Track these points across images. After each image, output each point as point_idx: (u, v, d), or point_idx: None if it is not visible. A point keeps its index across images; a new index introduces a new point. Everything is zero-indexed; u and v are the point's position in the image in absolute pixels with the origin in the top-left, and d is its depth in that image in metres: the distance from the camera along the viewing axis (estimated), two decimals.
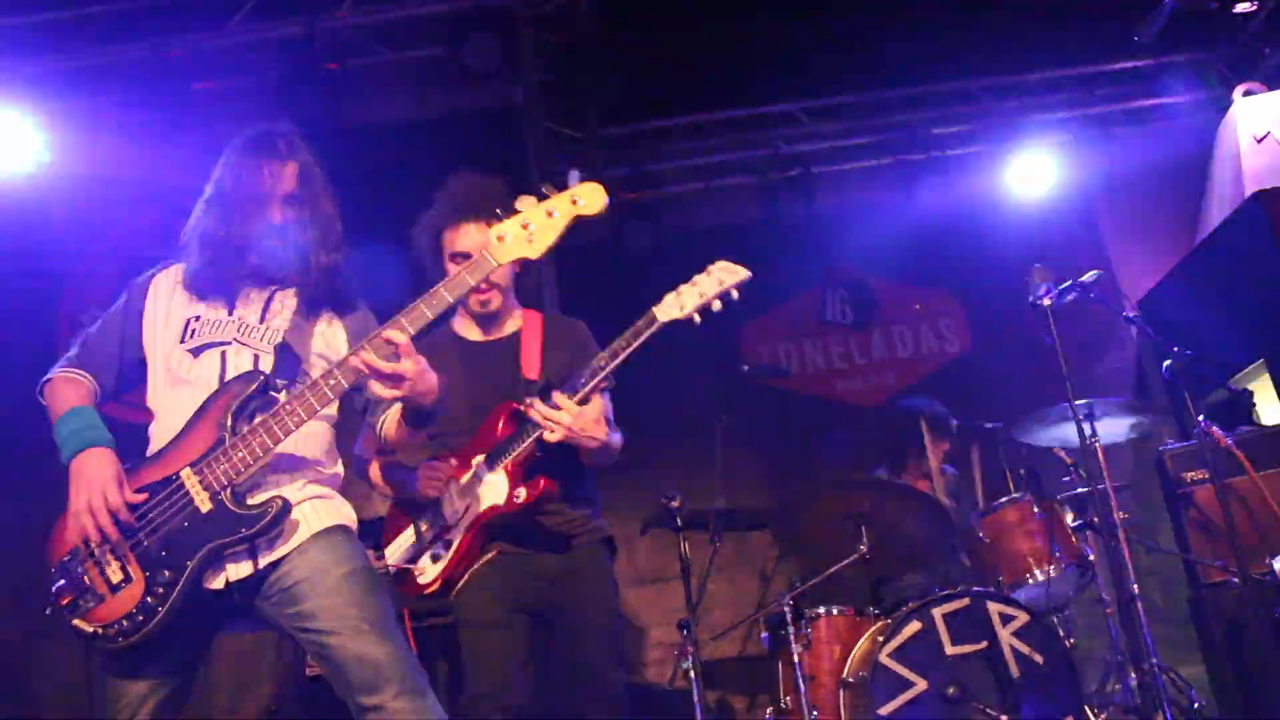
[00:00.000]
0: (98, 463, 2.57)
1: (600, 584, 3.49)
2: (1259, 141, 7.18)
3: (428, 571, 3.34)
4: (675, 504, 4.65)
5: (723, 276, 3.21)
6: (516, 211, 2.64)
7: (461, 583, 3.36)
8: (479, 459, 3.34)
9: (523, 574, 3.39)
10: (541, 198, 2.65)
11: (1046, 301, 4.48)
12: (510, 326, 3.62)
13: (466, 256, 3.32)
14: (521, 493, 3.25)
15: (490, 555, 3.36)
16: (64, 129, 6.55)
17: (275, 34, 6.31)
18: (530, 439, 3.28)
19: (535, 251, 2.64)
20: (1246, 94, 7.38)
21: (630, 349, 3.24)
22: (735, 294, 3.21)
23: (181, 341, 2.73)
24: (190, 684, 2.69)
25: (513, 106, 6.71)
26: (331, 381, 2.57)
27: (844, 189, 7.88)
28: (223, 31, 6.28)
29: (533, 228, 2.63)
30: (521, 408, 3.31)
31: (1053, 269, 4.68)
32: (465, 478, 3.34)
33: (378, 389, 2.59)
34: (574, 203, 2.64)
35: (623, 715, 3.37)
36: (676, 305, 3.23)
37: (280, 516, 2.54)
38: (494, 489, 3.29)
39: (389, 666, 2.48)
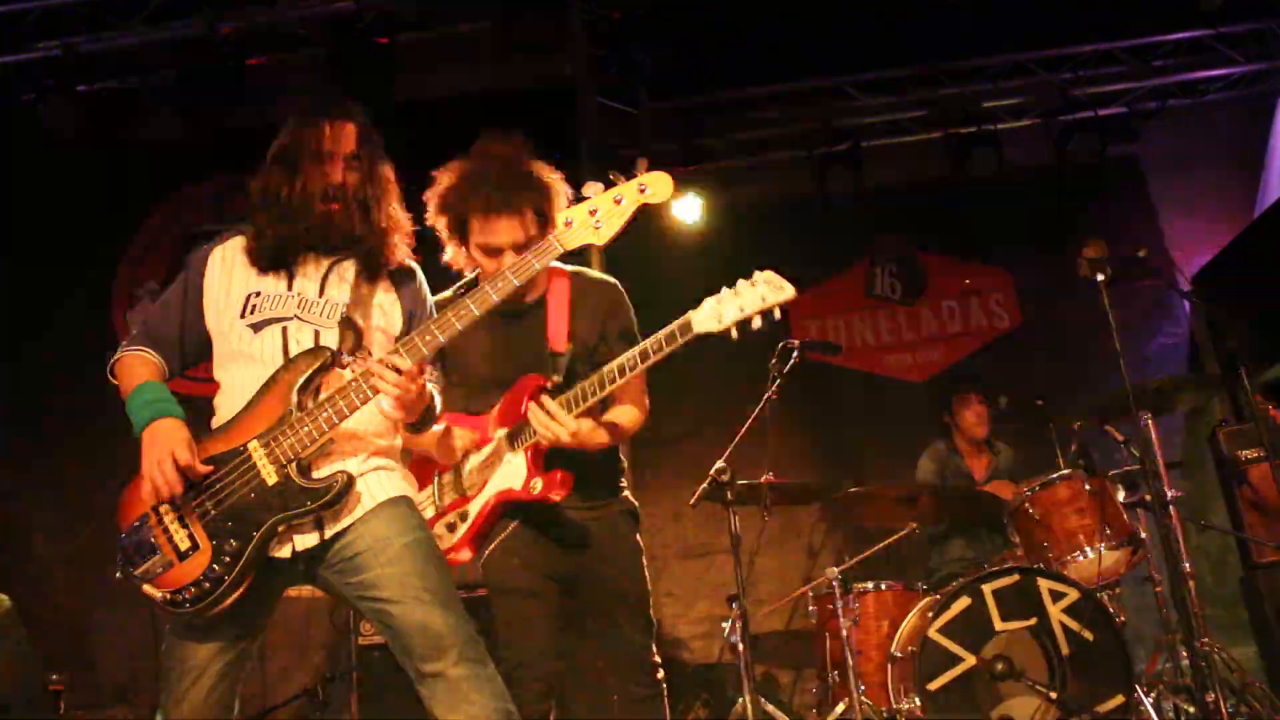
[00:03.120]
0: (169, 429, 2.62)
1: (628, 556, 3.39)
2: None
3: (443, 539, 3.28)
4: (725, 478, 4.66)
5: (766, 293, 2.85)
6: (585, 198, 2.65)
7: (489, 552, 3.33)
8: (501, 433, 3.24)
9: (547, 542, 3.32)
10: (609, 184, 2.65)
11: (1100, 277, 4.42)
12: (536, 290, 3.33)
13: (498, 251, 3.12)
14: (538, 483, 3.17)
15: (513, 526, 3.30)
16: (122, 102, 6.66)
17: (327, 9, 6.37)
18: (533, 438, 3.15)
19: (601, 239, 2.65)
20: None
21: (658, 357, 3.00)
22: (778, 314, 2.86)
23: (242, 317, 2.74)
24: (251, 649, 2.75)
25: (563, 81, 6.71)
26: (396, 360, 2.61)
27: (893, 163, 7.82)
28: (274, 8, 6.33)
29: (600, 214, 2.63)
30: (549, 384, 3.16)
31: (1105, 243, 4.62)
32: (486, 450, 3.25)
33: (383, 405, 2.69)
34: (641, 190, 2.65)
35: (654, 686, 3.34)
36: (715, 316, 2.90)
37: (345, 490, 2.58)
38: (513, 471, 3.21)
39: (450, 634, 2.51)
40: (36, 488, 6.69)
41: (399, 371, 2.57)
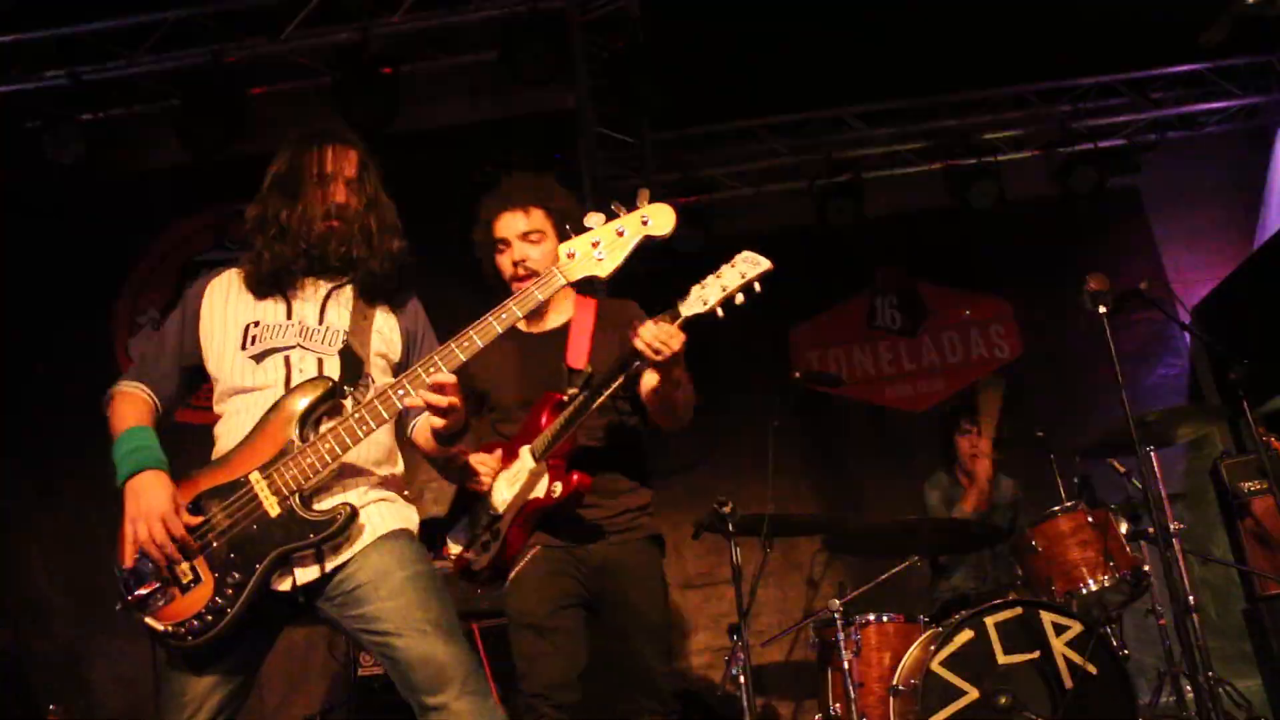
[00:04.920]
0: (153, 487, 2.59)
1: (651, 582, 3.47)
2: None
3: (479, 559, 3.39)
4: (727, 509, 4.65)
5: (745, 268, 2.97)
6: (587, 229, 2.64)
7: (509, 582, 3.38)
8: (525, 450, 3.36)
9: (567, 568, 3.38)
10: (611, 216, 2.65)
11: (1102, 309, 4.42)
12: (561, 317, 3.62)
13: (508, 244, 3.49)
14: (557, 487, 3.27)
15: (533, 552, 3.37)
16: (124, 130, 6.70)
17: (330, 39, 6.41)
18: (573, 423, 3.25)
19: (604, 270, 2.63)
20: None
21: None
22: (758, 286, 2.96)
23: (243, 348, 2.73)
24: (252, 683, 2.72)
25: (565, 111, 6.75)
26: (400, 392, 2.61)
27: (894, 194, 7.85)
28: (279, 39, 6.37)
29: (602, 246, 2.63)
30: (564, 398, 3.32)
31: (1106, 275, 4.62)
32: (513, 468, 3.37)
33: (431, 418, 2.69)
34: (644, 222, 2.65)
35: (670, 714, 3.38)
36: (700, 300, 3.00)
37: (348, 523, 2.57)
38: (536, 482, 3.33)
39: (452, 667, 2.49)
40: (35, 515, 6.65)
41: (441, 388, 2.58)
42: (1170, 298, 7.46)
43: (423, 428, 2.88)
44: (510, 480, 3.36)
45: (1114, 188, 7.71)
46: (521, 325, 3.45)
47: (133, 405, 2.75)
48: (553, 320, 3.62)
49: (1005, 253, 7.71)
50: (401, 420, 2.90)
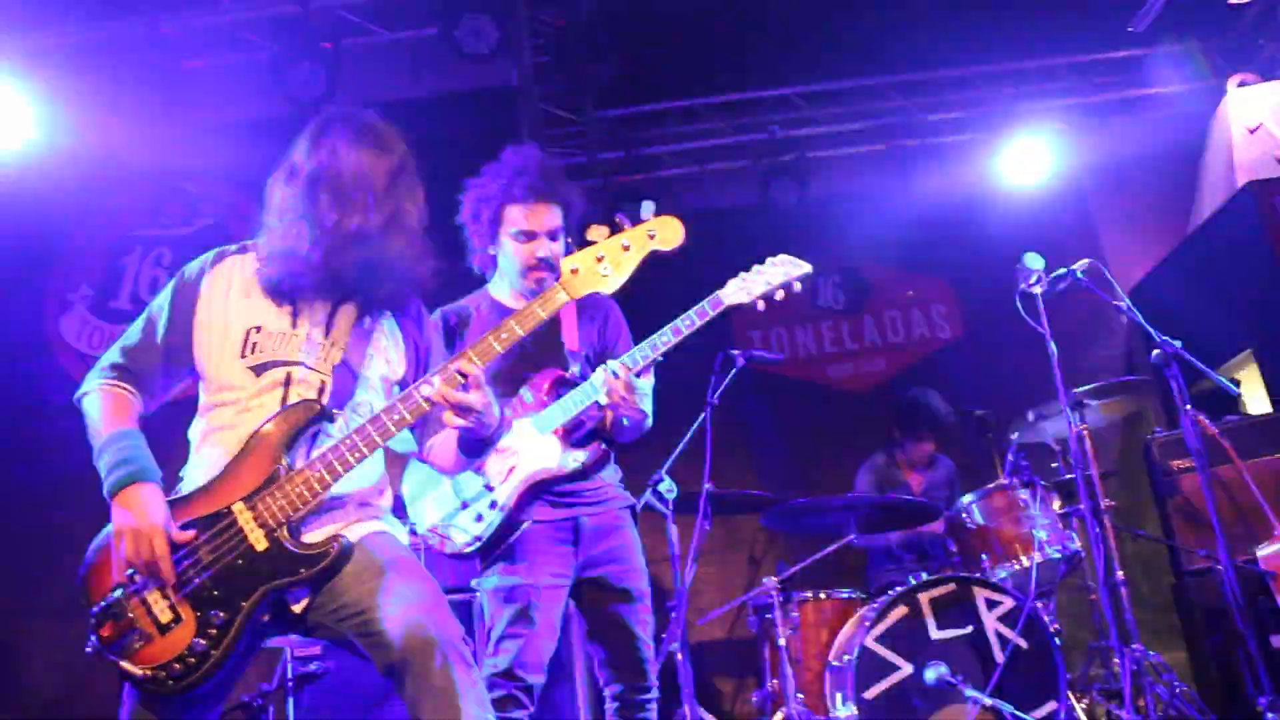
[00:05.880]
0: (145, 503, 2.40)
1: (635, 551, 3.51)
2: (1251, 133, 7.20)
3: (469, 530, 3.34)
4: (664, 487, 4.66)
5: (789, 269, 3.39)
6: (590, 243, 2.57)
7: (498, 553, 3.36)
8: (524, 422, 3.36)
9: (557, 541, 3.40)
10: (615, 229, 2.58)
11: (1037, 289, 4.49)
12: None
13: (533, 236, 3.43)
14: (581, 455, 3.37)
15: (526, 525, 3.37)
16: (54, 105, 6.54)
17: (269, 12, 6.30)
18: (581, 406, 3.35)
19: (610, 287, 2.55)
20: (1240, 85, 7.40)
21: (693, 328, 3.33)
22: (799, 286, 3.38)
23: (242, 356, 2.56)
24: (224, 702, 2.57)
25: (508, 88, 6.70)
26: (395, 417, 2.48)
27: (838, 175, 7.90)
28: (217, 9, 6.26)
29: (607, 261, 2.55)
30: (569, 375, 3.42)
31: (1045, 256, 4.69)
32: (505, 440, 3.30)
33: (448, 418, 2.52)
34: (650, 237, 2.58)
35: (652, 688, 3.42)
36: (742, 291, 3.37)
37: (341, 559, 2.44)
38: (544, 452, 3.35)
39: (435, 636, 2.37)
40: None
41: (465, 377, 2.45)
42: (1107, 279, 7.55)
43: (442, 446, 2.75)
44: (506, 453, 3.33)
45: (1056, 171, 7.78)
46: (515, 304, 3.53)
47: (118, 404, 2.56)
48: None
49: (948, 233, 7.77)
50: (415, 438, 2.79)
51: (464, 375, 2.47)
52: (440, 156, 6.38)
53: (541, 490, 3.39)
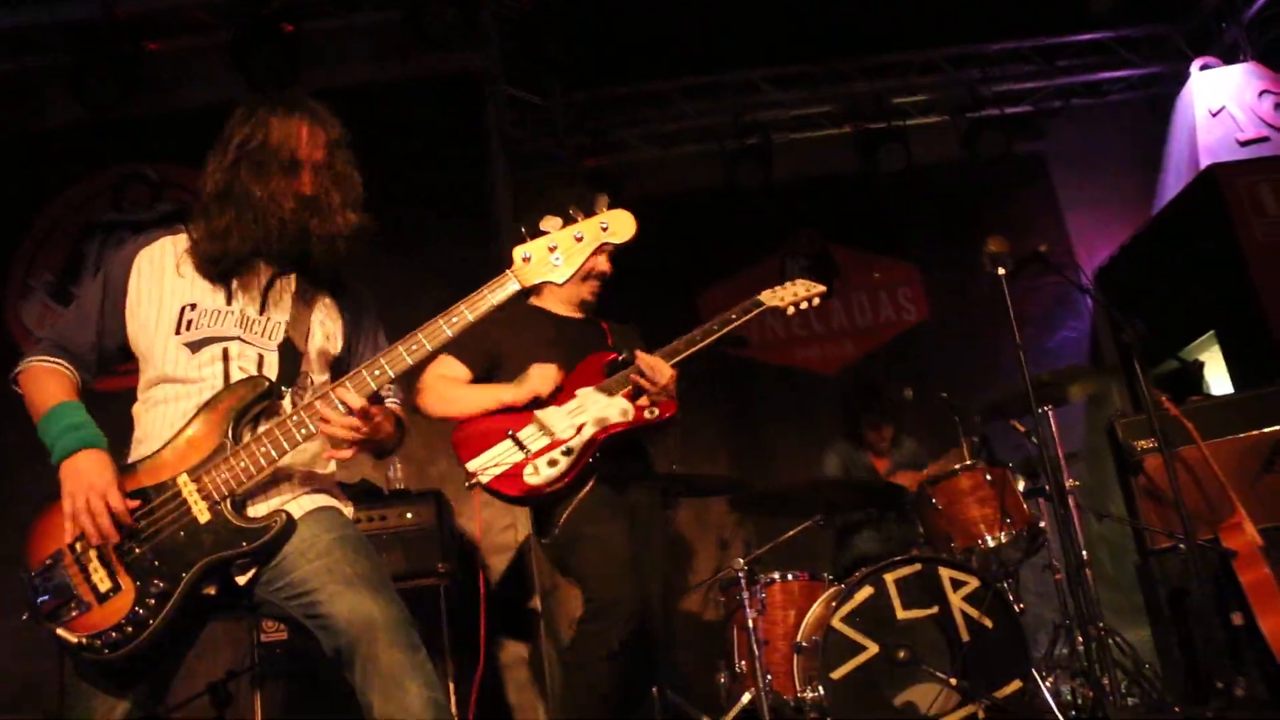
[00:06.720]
0: (95, 465, 2.42)
1: (663, 527, 3.92)
2: (1214, 115, 7.27)
3: (541, 473, 3.54)
4: None
5: (810, 288, 4.00)
6: (542, 233, 2.57)
7: (574, 504, 3.63)
8: (586, 390, 3.71)
9: (618, 503, 3.72)
10: (568, 220, 2.57)
11: (1001, 271, 4.50)
12: (588, 310, 4.11)
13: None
14: (655, 410, 3.69)
15: (590, 483, 3.64)
16: (14, 89, 6.45)
17: None
18: (628, 382, 3.68)
19: (560, 277, 2.55)
20: (1203, 68, 7.45)
21: (734, 325, 3.83)
22: (817, 302, 4.01)
23: (177, 333, 2.55)
24: (169, 682, 2.58)
25: (473, 72, 6.63)
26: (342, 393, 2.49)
27: (804, 157, 7.89)
28: None
29: (559, 252, 2.55)
30: (618, 357, 3.80)
31: (1010, 239, 4.70)
32: (571, 404, 3.67)
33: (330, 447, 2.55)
34: (603, 229, 2.58)
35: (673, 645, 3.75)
36: (778, 297, 3.95)
37: (284, 534, 2.44)
38: (615, 409, 3.66)
39: (382, 619, 2.37)
40: None
41: (348, 409, 2.43)
42: (1071, 261, 7.62)
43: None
44: (573, 412, 3.65)
45: (1020, 153, 7.83)
46: (557, 309, 4.04)
47: (57, 379, 2.55)
48: (584, 312, 4.08)
49: (914, 215, 7.80)
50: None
51: (346, 404, 2.47)
52: (404, 141, 6.33)
53: (606, 448, 3.66)
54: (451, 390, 3.84)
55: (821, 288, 4.02)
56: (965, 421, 5.35)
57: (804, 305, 3.98)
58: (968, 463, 4.90)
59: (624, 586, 3.54)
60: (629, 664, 3.53)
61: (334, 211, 2.60)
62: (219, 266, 2.58)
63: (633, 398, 3.71)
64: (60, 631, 2.39)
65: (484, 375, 3.87)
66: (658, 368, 3.64)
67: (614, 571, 3.56)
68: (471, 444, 3.67)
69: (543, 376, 3.68)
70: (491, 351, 3.87)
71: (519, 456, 3.58)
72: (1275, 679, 4.35)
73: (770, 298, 3.95)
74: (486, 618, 3.85)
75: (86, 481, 2.39)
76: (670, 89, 7.72)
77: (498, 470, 3.56)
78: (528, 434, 3.63)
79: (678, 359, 3.72)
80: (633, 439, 3.78)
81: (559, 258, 2.55)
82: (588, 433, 3.62)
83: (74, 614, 2.39)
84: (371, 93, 6.51)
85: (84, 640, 2.36)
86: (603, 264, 3.98)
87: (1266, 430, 4.92)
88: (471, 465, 3.60)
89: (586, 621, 3.56)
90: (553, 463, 3.56)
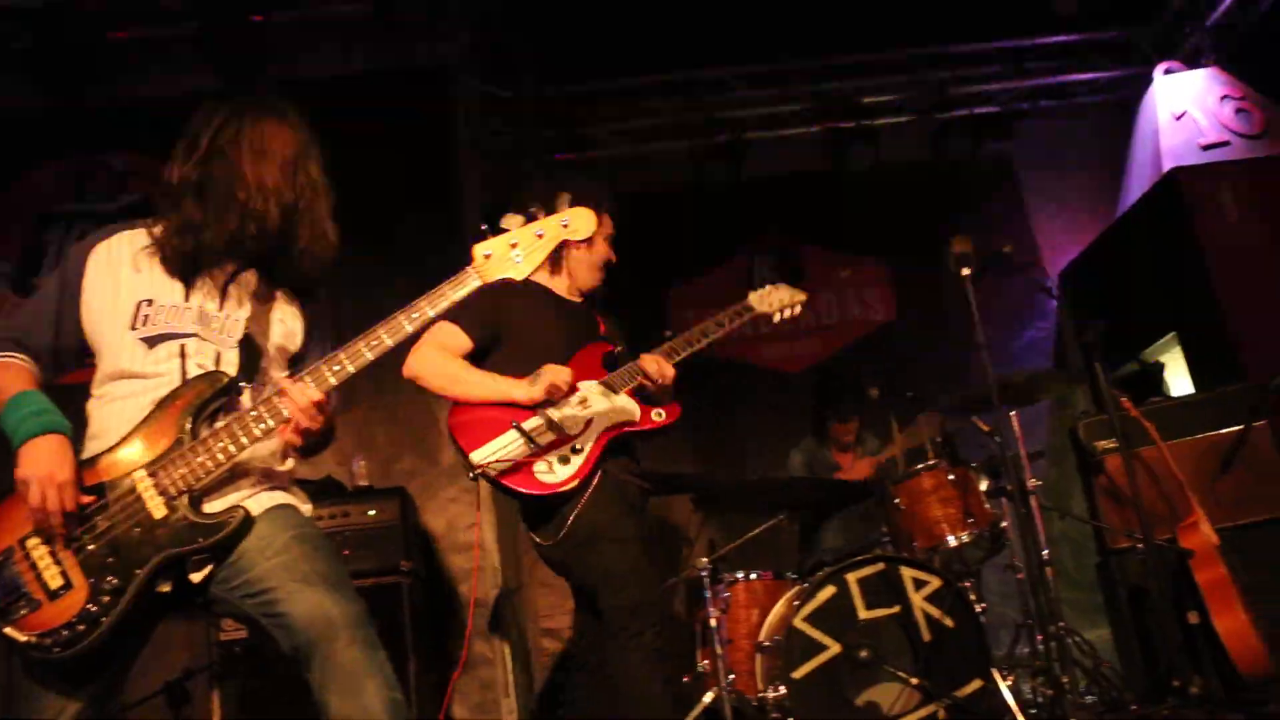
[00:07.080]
0: (56, 451, 2.39)
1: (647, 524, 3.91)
2: (1177, 119, 7.33)
3: (556, 471, 3.53)
4: None
5: (794, 295, 4.20)
6: (503, 230, 2.58)
7: (584, 502, 3.56)
8: (590, 384, 3.69)
9: (623, 502, 3.68)
10: (530, 218, 2.59)
11: (966, 271, 4.52)
12: (581, 296, 4.07)
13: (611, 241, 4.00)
14: (662, 414, 3.76)
15: (599, 475, 3.61)
16: None
17: None
18: (633, 380, 3.74)
19: (520, 273, 2.57)
20: (1167, 72, 7.52)
21: (728, 329, 4.02)
22: (800, 310, 4.24)
23: (133, 329, 2.52)
24: (122, 681, 2.54)
25: (443, 65, 6.58)
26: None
27: (773, 155, 7.89)
28: None
29: (520, 249, 2.57)
30: (614, 350, 3.84)
31: (976, 239, 4.72)
32: (577, 397, 3.65)
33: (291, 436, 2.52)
34: (563, 226, 2.60)
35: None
36: (765, 302, 4.12)
37: (242, 530, 2.43)
38: (624, 409, 3.71)
39: (340, 617, 2.35)
40: None
41: (309, 402, 2.43)
42: (1036, 261, 7.68)
43: None
44: (579, 405, 3.64)
45: (987, 154, 7.87)
46: (560, 290, 3.97)
47: (17, 372, 2.52)
48: (584, 300, 4.05)
49: (882, 215, 7.83)
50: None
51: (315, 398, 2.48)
52: (372, 133, 6.27)
53: (613, 447, 3.66)
54: (455, 368, 3.71)
55: (803, 296, 4.17)
56: (929, 421, 5.38)
57: (788, 314, 4.16)
58: (930, 462, 4.93)
59: (650, 586, 3.57)
60: (668, 660, 3.59)
61: (320, 220, 2.63)
62: (188, 260, 2.57)
63: (635, 395, 3.75)
64: (8, 630, 2.35)
65: (484, 346, 3.78)
66: (663, 368, 3.72)
67: (639, 571, 3.55)
68: (474, 432, 3.59)
69: (555, 380, 3.58)
70: (497, 322, 3.77)
71: (525, 450, 3.52)
72: (1230, 677, 4.40)
73: (759, 303, 4.11)
74: (453, 616, 3.84)
75: (45, 469, 2.35)
76: (641, 85, 7.70)
77: (504, 465, 3.51)
78: (534, 427, 3.55)
79: (677, 359, 3.81)
80: (626, 437, 3.76)
81: (519, 255, 2.57)
82: (597, 431, 3.62)
83: (23, 612, 2.35)
84: (340, 84, 6.47)
85: (34, 639, 2.33)
86: (611, 255, 4.03)
87: (1225, 431, 4.97)
88: (475, 457, 3.53)
89: (618, 628, 3.45)
90: (565, 460, 3.55)
